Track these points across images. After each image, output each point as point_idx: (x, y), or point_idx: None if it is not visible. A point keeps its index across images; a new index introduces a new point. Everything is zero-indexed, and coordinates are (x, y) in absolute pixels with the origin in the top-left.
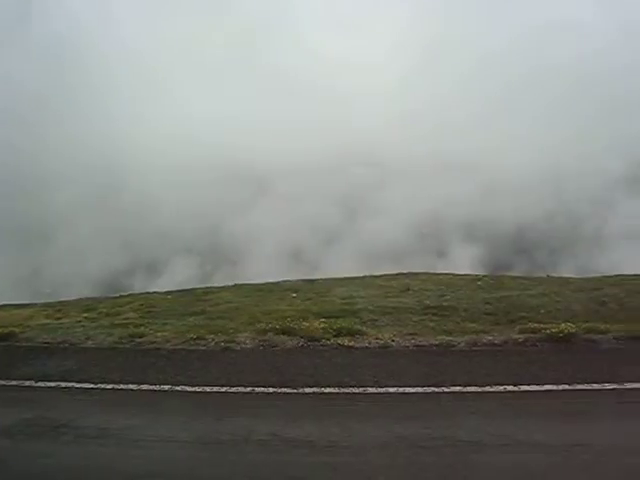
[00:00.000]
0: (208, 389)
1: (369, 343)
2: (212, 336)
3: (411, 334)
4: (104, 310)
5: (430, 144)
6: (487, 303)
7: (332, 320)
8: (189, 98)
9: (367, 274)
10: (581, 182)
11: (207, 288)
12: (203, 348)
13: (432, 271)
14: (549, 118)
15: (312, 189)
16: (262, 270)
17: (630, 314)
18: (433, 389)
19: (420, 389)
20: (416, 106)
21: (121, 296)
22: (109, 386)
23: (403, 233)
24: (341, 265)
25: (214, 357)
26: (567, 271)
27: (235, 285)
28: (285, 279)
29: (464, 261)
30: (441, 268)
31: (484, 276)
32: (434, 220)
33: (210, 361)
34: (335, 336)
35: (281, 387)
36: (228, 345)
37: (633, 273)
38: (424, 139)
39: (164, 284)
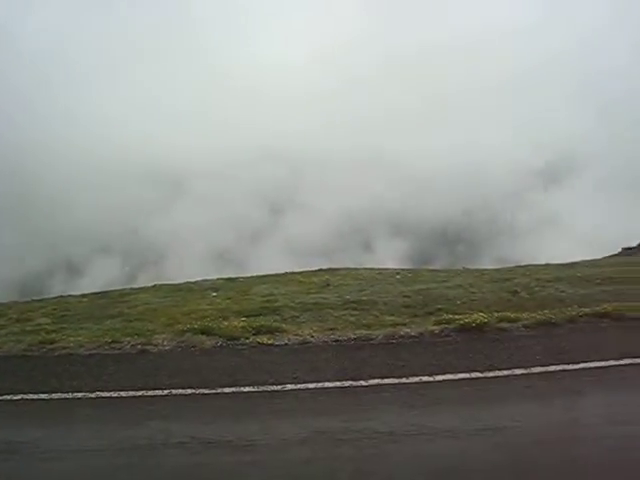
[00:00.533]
0: (124, 394)
1: (288, 340)
2: (129, 339)
3: (331, 329)
4: (14, 316)
5: (354, 141)
6: (405, 296)
7: (252, 318)
8: (109, 97)
9: (289, 271)
10: (497, 177)
11: (124, 290)
12: (119, 352)
13: (360, 266)
14: (469, 116)
15: (234, 187)
16: (188, 270)
17: (539, 302)
18: (351, 383)
19: (339, 383)
20: (340, 105)
21: (33, 300)
22: (17, 397)
23: (329, 229)
24: (268, 263)
25: (130, 360)
26: (487, 262)
27: (154, 286)
28: (205, 278)
29: (390, 255)
30: (368, 263)
31: (403, 270)
32: (360, 216)
33: (126, 365)
34: (254, 334)
35: (199, 388)
36: (145, 347)
37: (543, 262)
38: (349, 137)
39: (86, 286)
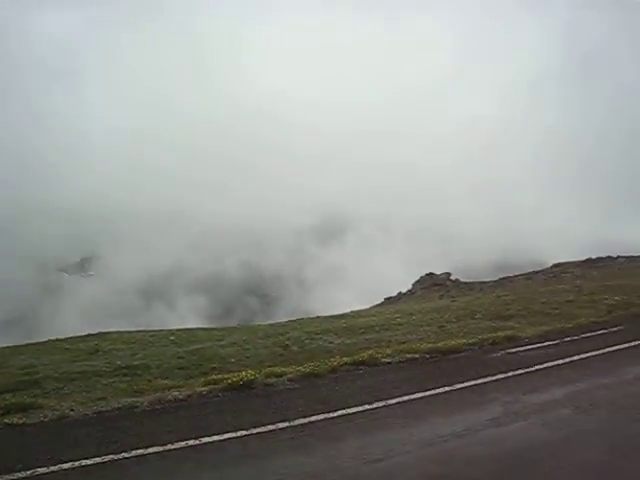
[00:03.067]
0: None
1: (44, 416)
2: None
3: (100, 399)
4: None
5: (155, 196)
6: (180, 357)
7: (3, 396)
8: None
9: (51, 338)
10: (283, 235)
11: None
12: None
13: (163, 325)
14: (254, 180)
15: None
16: None
17: (308, 355)
18: (112, 457)
19: (99, 459)
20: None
21: None
22: None
23: (130, 289)
24: (62, 326)
25: None
26: (282, 314)
27: None
28: None
29: (192, 311)
30: (171, 321)
31: (177, 330)
32: (161, 274)
33: None
34: (3, 415)
35: None
36: None
37: (330, 312)
38: (151, 193)
39: None
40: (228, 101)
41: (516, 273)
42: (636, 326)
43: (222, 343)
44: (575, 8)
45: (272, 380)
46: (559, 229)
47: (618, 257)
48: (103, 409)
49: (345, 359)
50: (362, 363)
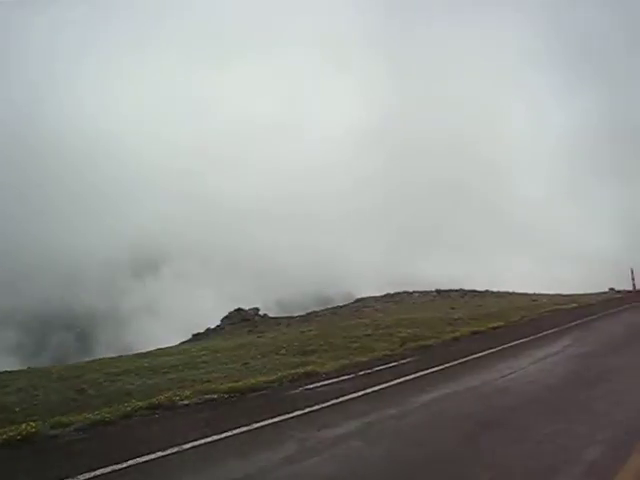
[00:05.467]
0: None
1: None
2: None
3: None
4: None
5: None
6: None
7: None
8: None
9: None
10: (93, 267)
11: None
12: None
13: None
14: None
15: None
16: None
17: (106, 399)
18: None
19: None
20: None
21: None
22: None
23: None
24: None
25: None
26: (99, 350)
27: None
28: None
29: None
30: None
31: None
32: None
33: None
34: None
35: None
36: None
37: (132, 351)
38: None
39: None
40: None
41: (335, 306)
42: (424, 357)
43: (7, 390)
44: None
45: (57, 431)
46: (368, 264)
47: (413, 292)
48: None
49: (140, 403)
50: (158, 407)
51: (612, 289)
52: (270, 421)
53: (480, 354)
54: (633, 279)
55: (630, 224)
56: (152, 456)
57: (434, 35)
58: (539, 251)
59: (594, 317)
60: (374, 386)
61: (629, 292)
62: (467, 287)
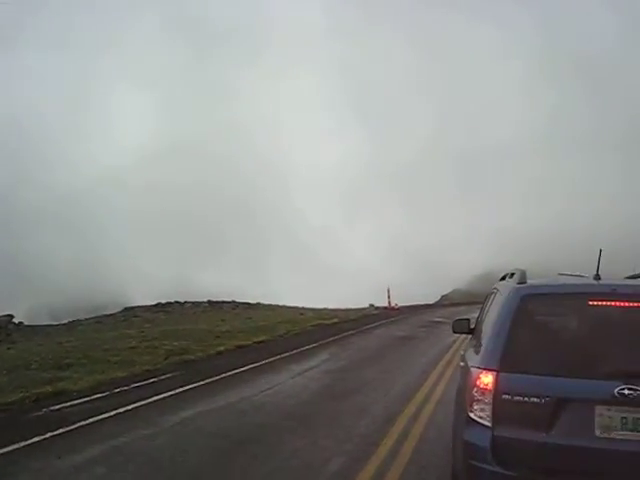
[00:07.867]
0: None
1: None
2: None
3: None
4: None
5: None
6: None
7: None
8: None
9: None
10: None
11: None
12: None
13: None
14: None
15: None
16: None
17: None
18: None
19: None
20: None
21: None
22: None
23: None
24: None
25: None
26: None
27: None
28: None
29: None
30: None
31: None
32: None
33: None
34: None
35: None
36: None
37: None
38: None
39: None
40: None
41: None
42: (187, 372)
43: None
44: None
45: None
46: (146, 273)
47: (185, 302)
48: None
49: None
50: None
51: (372, 305)
52: (4, 450)
53: (243, 369)
54: (389, 297)
55: (392, 247)
56: None
57: None
58: (315, 269)
59: (352, 332)
60: (129, 404)
61: (385, 308)
62: (240, 299)
